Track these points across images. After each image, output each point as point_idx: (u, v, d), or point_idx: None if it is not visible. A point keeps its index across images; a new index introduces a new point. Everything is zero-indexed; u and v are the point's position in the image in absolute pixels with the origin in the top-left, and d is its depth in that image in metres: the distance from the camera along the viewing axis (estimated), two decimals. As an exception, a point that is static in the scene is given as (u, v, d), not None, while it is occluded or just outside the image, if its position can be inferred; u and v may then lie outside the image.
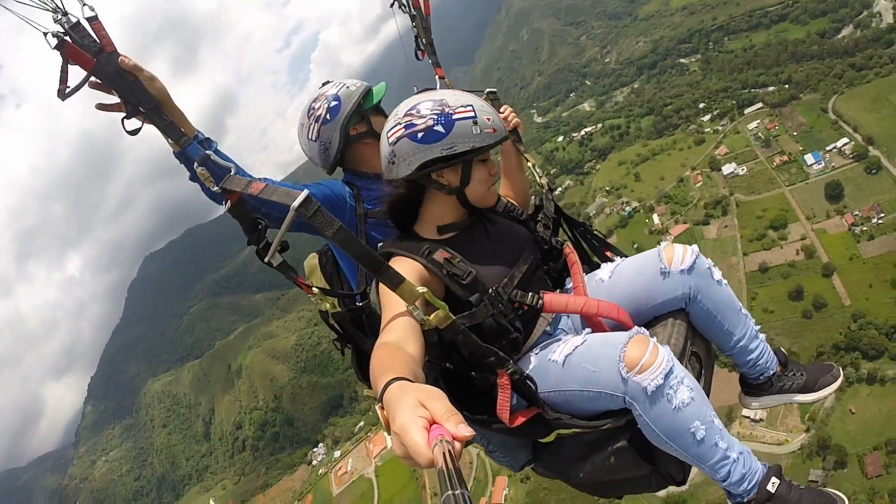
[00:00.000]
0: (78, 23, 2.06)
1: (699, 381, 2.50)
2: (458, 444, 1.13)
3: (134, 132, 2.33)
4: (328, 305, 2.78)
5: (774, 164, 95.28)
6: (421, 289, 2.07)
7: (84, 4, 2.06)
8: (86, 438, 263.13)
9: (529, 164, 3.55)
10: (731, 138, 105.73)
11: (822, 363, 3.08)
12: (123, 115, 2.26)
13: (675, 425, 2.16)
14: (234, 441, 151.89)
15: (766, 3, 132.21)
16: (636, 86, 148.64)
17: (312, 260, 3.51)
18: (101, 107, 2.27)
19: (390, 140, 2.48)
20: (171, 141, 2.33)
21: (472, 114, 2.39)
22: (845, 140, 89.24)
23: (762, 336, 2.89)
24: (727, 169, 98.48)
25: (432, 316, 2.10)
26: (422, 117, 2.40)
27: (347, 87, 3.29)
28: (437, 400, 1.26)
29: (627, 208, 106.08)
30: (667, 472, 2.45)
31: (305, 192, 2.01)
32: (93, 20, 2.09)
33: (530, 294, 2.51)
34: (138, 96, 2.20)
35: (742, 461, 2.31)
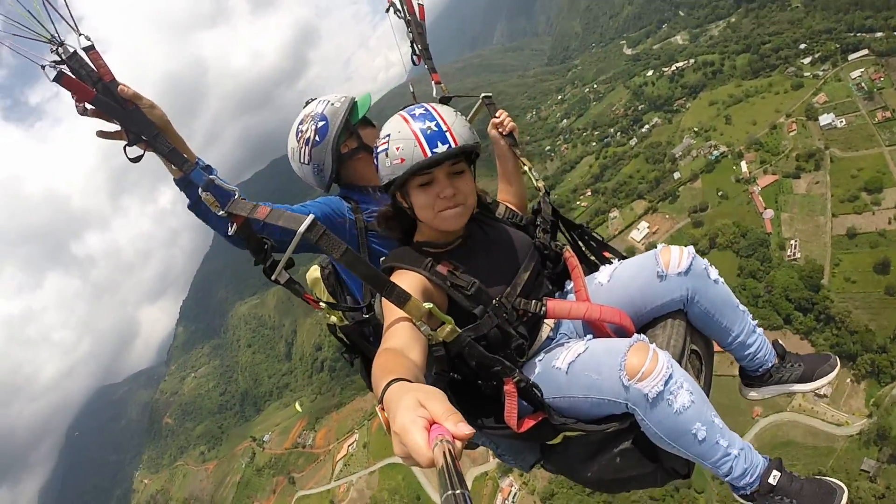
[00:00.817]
0: (75, 53, 2.11)
1: (700, 378, 2.72)
2: (458, 444, 1.13)
3: (136, 160, 2.37)
4: (335, 319, 2.88)
5: (876, 119, 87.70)
6: (426, 305, 2.12)
7: (80, 35, 2.12)
8: (177, 357, 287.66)
9: (525, 167, 3.56)
10: (832, 86, 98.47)
11: (819, 353, 3.12)
12: (125, 143, 2.29)
13: (676, 428, 2.23)
14: (314, 362, 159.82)
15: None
16: (733, 20, 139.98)
17: (315, 272, 3.53)
18: (102, 134, 2.30)
19: None
20: (174, 167, 2.40)
21: (385, 146, 2.44)
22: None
23: (760, 330, 2.94)
24: (824, 119, 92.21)
25: (438, 331, 2.16)
26: (375, 147, 2.55)
27: (332, 105, 3.30)
28: (436, 399, 1.26)
29: (715, 152, 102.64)
30: (671, 467, 2.55)
31: (311, 217, 2.07)
32: (89, 50, 2.14)
33: (533, 301, 2.59)
34: (139, 125, 2.26)
35: (743, 456, 2.39)
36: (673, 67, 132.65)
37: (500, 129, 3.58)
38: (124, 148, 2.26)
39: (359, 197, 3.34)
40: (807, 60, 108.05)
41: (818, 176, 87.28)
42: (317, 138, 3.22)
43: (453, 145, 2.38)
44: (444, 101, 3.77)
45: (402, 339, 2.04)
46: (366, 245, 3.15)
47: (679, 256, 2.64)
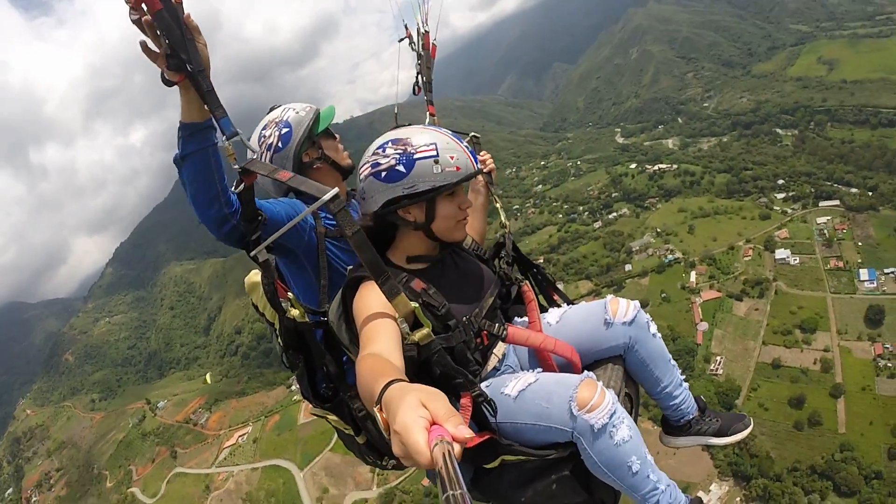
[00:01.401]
0: None
1: (632, 416, 2.88)
2: (457, 445, 1.14)
3: (171, 84, 2.30)
4: (297, 313, 2.81)
5: (829, 265, 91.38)
6: (413, 304, 2.19)
7: None
8: (97, 296, 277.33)
9: (497, 204, 3.78)
10: (796, 225, 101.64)
11: (735, 413, 3.36)
12: (164, 67, 2.23)
13: (615, 459, 2.38)
14: (230, 343, 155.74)
15: (882, 103, 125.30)
16: (725, 139, 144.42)
17: (254, 277, 3.35)
18: (146, 49, 2.19)
19: (360, 177, 2.61)
20: (202, 109, 2.35)
21: (433, 153, 2.45)
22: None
23: (685, 385, 3.19)
24: (780, 253, 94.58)
25: (416, 332, 2.23)
26: (386, 157, 2.50)
27: (297, 113, 3.29)
28: (437, 400, 1.27)
29: (670, 256, 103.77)
30: (601, 498, 2.63)
31: (335, 189, 2.13)
32: None
33: (497, 325, 2.72)
34: (190, 54, 2.18)
35: (669, 492, 2.57)
36: (656, 167, 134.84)
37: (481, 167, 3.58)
38: (162, 73, 2.25)
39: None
40: (780, 195, 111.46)
41: (759, 304, 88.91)
42: (279, 144, 3.23)
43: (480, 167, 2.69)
44: None
45: (383, 345, 2.10)
46: (324, 250, 3.14)
47: (626, 308, 2.92)
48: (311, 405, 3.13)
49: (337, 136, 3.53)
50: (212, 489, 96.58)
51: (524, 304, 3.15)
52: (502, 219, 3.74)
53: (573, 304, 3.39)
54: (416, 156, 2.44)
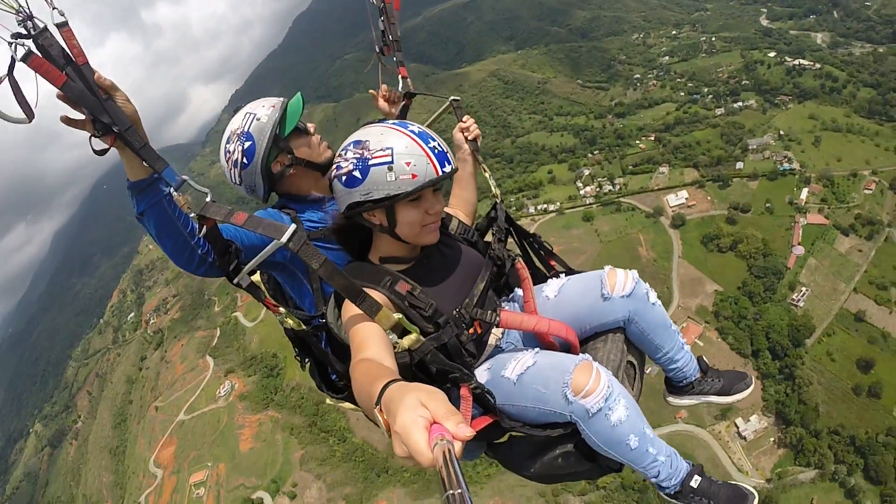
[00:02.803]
0: (45, 28, 1.93)
1: (633, 385, 3.07)
2: (458, 444, 1.15)
3: (102, 153, 2.30)
4: (292, 323, 2.82)
5: None
6: (396, 315, 2.24)
7: (53, 8, 1.94)
8: (214, 141, 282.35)
9: (486, 174, 3.62)
10: None
11: (737, 371, 3.51)
12: (91, 134, 2.21)
13: (613, 438, 2.49)
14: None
15: None
16: (882, 50, 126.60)
17: (255, 276, 3.24)
18: (67, 121, 2.17)
19: (330, 178, 2.62)
20: (142, 165, 2.34)
21: (388, 159, 2.38)
22: None
23: (687, 347, 3.32)
24: None
25: (404, 339, 2.29)
26: (346, 160, 2.48)
27: (258, 120, 3.10)
28: (437, 400, 1.28)
29: (787, 164, 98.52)
30: (606, 465, 2.75)
31: (293, 227, 2.10)
32: (63, 27, 1.98)
33: (489, 312, 2.74)
34: (112, 115, 2.14)
35: (669, 462, 2.73)
36: (797, 61, 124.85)
37: (465, 134, 3.64)
38: (90, 139, 2.19)
39: (297, 206, 3.27)
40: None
41: (865, 245, 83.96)
42: (244, 161, 3.08)
43: (455, 167, 2.55)
44: (409, 96, 4.05)
45: (374, 350, 2.11)
46: None
47: (624, 280, 2.94)
48: (328, 397, 3.22)
49: (312, 126, 3.38)
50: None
51: (519, 278, 3.19)
52: (492, 189, 3.61)
53: (572, 272, 3.42)
54: (370, 162, 2.41)
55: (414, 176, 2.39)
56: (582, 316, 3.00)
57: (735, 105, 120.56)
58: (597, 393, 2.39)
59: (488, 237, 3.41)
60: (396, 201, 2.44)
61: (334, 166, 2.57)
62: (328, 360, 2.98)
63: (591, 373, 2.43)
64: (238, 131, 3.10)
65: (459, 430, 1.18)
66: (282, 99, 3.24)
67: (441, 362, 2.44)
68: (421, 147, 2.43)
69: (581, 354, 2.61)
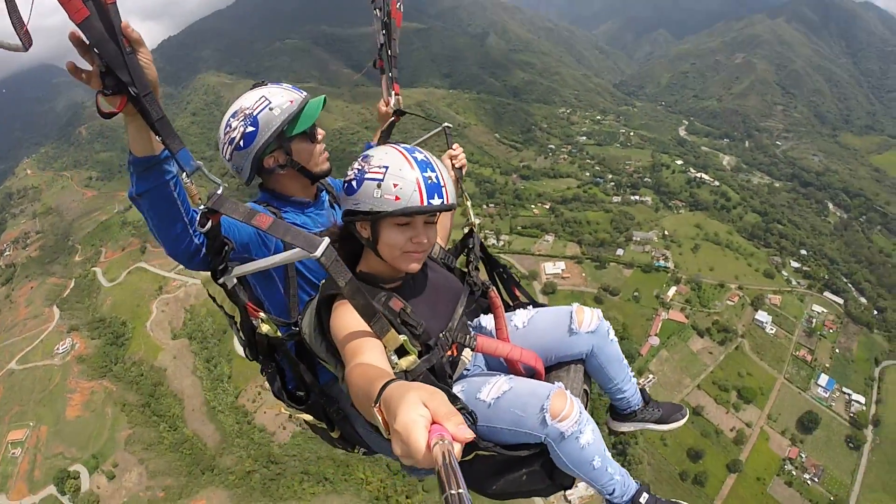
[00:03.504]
0: None
1: (586, 407, 3.07)
2: (457, 445, 1.14)
3: (109, 116, 1.92)
4: (268, 329, 2.69)
5: (798, 353, 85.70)
6: (402, 337, 2.14)
7: None
8: None
9: (467, 203, 3.66)
10: (792, 299, 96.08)
11: (673, 403, 3.64)
12: (99, 89, 1.81)
13: (580, 459, 2.64)
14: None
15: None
16: (777, 185, 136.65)
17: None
18: (73, 69, 1.72)
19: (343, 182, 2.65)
20: (152, 141, 2.01)
21: (380, 177, 2.41)
22: (862, 400, 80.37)
23: (634, 381, 3.44)
24: (762, 316, 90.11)
25: (403, 360, 2.18)
26: (351, 169, 2.53)
27: (270, 109, 2.85)
28: (438, 399, 1.27)
29: (662, 262, 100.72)
30: (561, 483, 2.85)
31: (327, 241, 1.99)
32: None
33: (466, 336, 2.76)
34: (134, 73, 1.78)
35: (623, 481, 2.90)
36: (699, 175, 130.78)
37: (454, 161, 3.71)
38: (97, 96, 1.86)
39: (279, 206, 3.14)
40: (795, 264, 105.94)
41: (716, 349, 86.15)
42: (241, 143, 2.93)
43: (446, 202, 2.51)
44: (399, 114, 4.08)
45: (372, 356, 2.08)
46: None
47: (591, 318, 3.10)
48: (283, 405, 3.11)
49: (321, 134, 3.14)
50: (163, 291, 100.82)
51: (491, 307, 3.21)
52: (471, 218, 3.67)
53: (536, 303, 3.54)
54: (366, 175, 2.45)
55: (397, 198, 2.41)
56: (549, 347, 3.10)
57: (632, 197, 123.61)
58: (571, 417, 2.53)
59: (461, 263, 3.51)
60: (379, 218, 2.46)
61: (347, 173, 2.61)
62: (298, 369, 2.95)
63: (567, 399, 2.57)
64: (247, 111, 2.91)
65: (460, 430, 1.19)
66: (304, 95, 3.02)
67: (432, 382, 2.44)
68: (414, 174, 2.43)
69: (555, 383, 2.72)
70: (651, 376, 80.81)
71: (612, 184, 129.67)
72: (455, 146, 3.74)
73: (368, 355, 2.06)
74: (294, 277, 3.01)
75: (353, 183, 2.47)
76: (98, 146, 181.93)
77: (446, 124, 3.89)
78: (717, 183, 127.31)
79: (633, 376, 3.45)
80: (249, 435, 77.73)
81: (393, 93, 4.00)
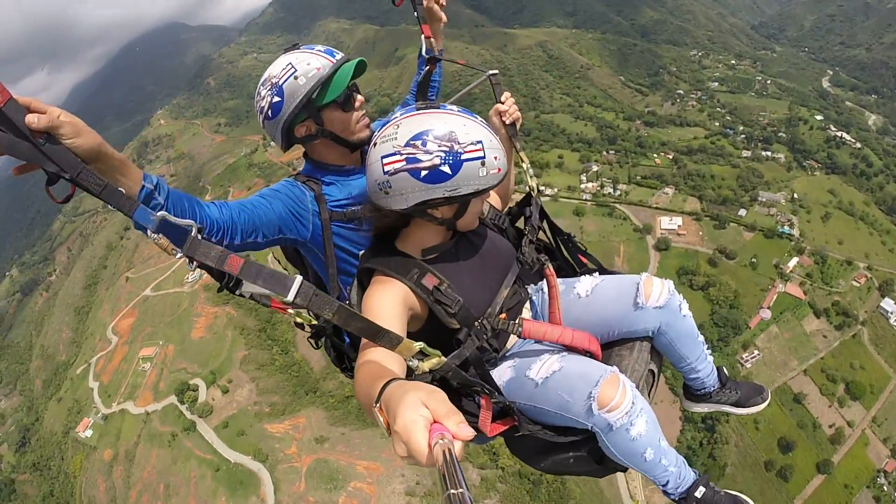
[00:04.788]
0: None
1: (651, 392, 2.98)
2: (458, 444, 1.14)
3: (65, 201, 1.91)
4: (303, 320, 2.39)
5: None
6: (417, 345, 2.05)
7: None
8: (252, 32, 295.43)
9: (524, 164, 3.40)
10: None
11: (755, 384, 3.43)
12: (47, 179, 1.77)
13: (630, 450, 2.48)
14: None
15: None
16: None
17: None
18: (20, 171, 1.74)
19: (386, 169, 2.37)
20: (110, 206, 1.87)
21: (480, 154, 2.33)
22: None
23: (710, 358, 3.22)
24: (888, 304, 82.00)
25: (425, 363, 2.12)
26: (427, 153, 2.30)
27: (296, 79, 2.71)
28: (438, 399, 1.27)
29: (787, 228, 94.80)
30: (613, 466, 2.69)
31: (299, 281, 1.84)
32: None
33: (511, 322, 2.64)
34: (57, 161, 1.68)
35: (678, 472, 2.75)
36: (840, 134, 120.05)
37: (503, 118, 3.31)
38: (46, 186, 1.83)
39: (321, 176, 2.99)
40: None
41: (831, 333, 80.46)
42: (269, 113, 2.83)
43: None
44: (433, 61, 3.63)
45: (385, 352, 2.04)
46: (330, 237, 2.91)
47: (659, 291, 2.86)
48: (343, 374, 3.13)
49: (359, 101, 2.93)
50: None
51: (547, 285, 3.05)
52: (528, 181, 3.36)
53: (605, 271, 3.29)
54: (463, 157, 2.32)
55: (499, 170, 2.41)
56: (611, 321, 2.92)
57: (763, 153, 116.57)
58: (622, 408, 2.36)
59: (519, 227, 3.33)
60: (478, 196, 2.44)
61: (401, 157, 2.35)
62: (344, 349, 2.96)
63: (619, 387, 2.39)
64: (273, 79, 2.79)
65: (460, 429, 1.18)
66: (335, 60, 2.81)
67: (463, 378, 2.35)
68: (496, 139, 2.41)
69: (609, 366, 2.52)
70: (756, 352, 77.90)
71: (743, 136, 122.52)
72: (504, 97, 3.34)
73: (377, 351, 2.05)
74: (332, 257, 2.92)
75: (444, 168, 2.31)
76: (226, 94, 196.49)
77: (491, 72, 3.47)
78: (858, 145, 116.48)
79: (710, 354, 3.26)
80: None
81: (423, 36, 3.58)
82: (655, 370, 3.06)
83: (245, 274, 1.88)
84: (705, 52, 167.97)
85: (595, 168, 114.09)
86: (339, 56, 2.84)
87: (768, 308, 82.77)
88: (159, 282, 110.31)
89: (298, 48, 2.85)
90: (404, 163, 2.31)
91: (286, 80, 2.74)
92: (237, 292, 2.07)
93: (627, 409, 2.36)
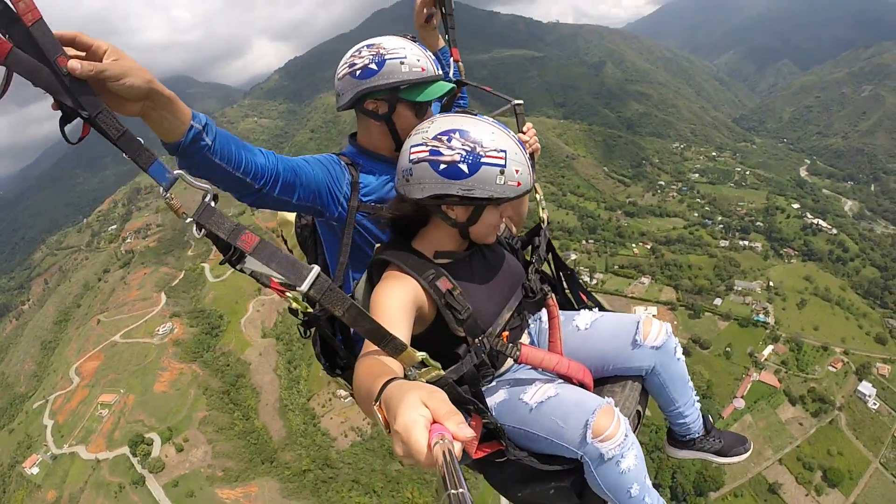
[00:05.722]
0: None
1: (636, 431, 2.86)
2: (458, 445, 1.14)
3: (77, 142, 1.82)
4: (299, 306, 2.33)
5: None
6: (420, 355, 2.02)
7: None
8: (256, 96, 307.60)
9: (538, 195, 3.42)
10: None
11: (739, 435, 3.43)
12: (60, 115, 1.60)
13: (617, 484, 2.44)
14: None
15: None
16: None
17: (289, 216, 3.30)
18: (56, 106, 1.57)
19: (411, 157, 2.44)
20: (126, 156, 1.72)
21: (502, 162, 2.35)
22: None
23: (697, 405, 3.22)
24: (865, 387, 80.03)
25: (423, 371, 2.09)
26: (450, 148, 2.36)
27: (401, 63, 2.76)
28: (438, 399, 1.26)
29: (762, 316, 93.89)
30: (593, 502, 2.64)
31: (316, 271, 1.78)
32: None
33: (510, 345, 2.62)
34: (77, 96, 1.54)
35: None
36: (817, 221, 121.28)
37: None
38: (60, 123, 1.65)
39: (364, 161, 2.98)
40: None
41: (807, 421, 78.23)
42: (358, 73, 2.83)
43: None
44: (460, 84, 3.66)
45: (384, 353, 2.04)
46: (352, 224, 2.87)
47: (658, 331, 2.88)
48: (330, 377, 3.05)
49: (429, 112, 2.97)
50: (261, 293, 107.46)
51: (549, 315, 3.02)
52: (541, 213, 3.40)
53: (603, 308, 3.33)
54: (483, 159, 2.35)
55: (519, 184, 2.41)
56: (608, 356, 2.92)
57: (741, 242, 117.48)
58: (615, 439, 2.36)
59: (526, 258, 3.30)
60: (492, 203, 2.45)
61: (426, 148, 2.42)
62: (334, 343, 2.88)
63: (614, 418, 2.40)
64: (381, 50, 2.81)
65: (460, 430, 1.18)
66: (438, 73, 2.90)
67: (458, 395, 2.32)
68: (524, 156, 2.43)
69: (604, 398, 2.55)
70: None
71: (721, 226, 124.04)
72: (527, 127, 3.43)
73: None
74: (348, 245, 2.86)
75: (462, 166, 2.35)
76: None
77: (516, 101, 3.56)
78: (834, 231, 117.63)
79: (698, 401, 3.26)
80: (312, 436, 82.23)
81: (452, 59, 3.67)
82: (642, 411, 3.09)
83: (258, 254, 1.82)
84: (687, 145, 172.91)
85: (573, 257, 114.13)
86: (440, 72, 2.95)
87: (742, 397, 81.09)
88: (130, 329, 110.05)
89: (416, 41, 2.95)
90: (427, 153, 2.41)
91: (392, 59, 2.81)
92: (238, 267, 2.04)
93: (620, 441, 2.38)
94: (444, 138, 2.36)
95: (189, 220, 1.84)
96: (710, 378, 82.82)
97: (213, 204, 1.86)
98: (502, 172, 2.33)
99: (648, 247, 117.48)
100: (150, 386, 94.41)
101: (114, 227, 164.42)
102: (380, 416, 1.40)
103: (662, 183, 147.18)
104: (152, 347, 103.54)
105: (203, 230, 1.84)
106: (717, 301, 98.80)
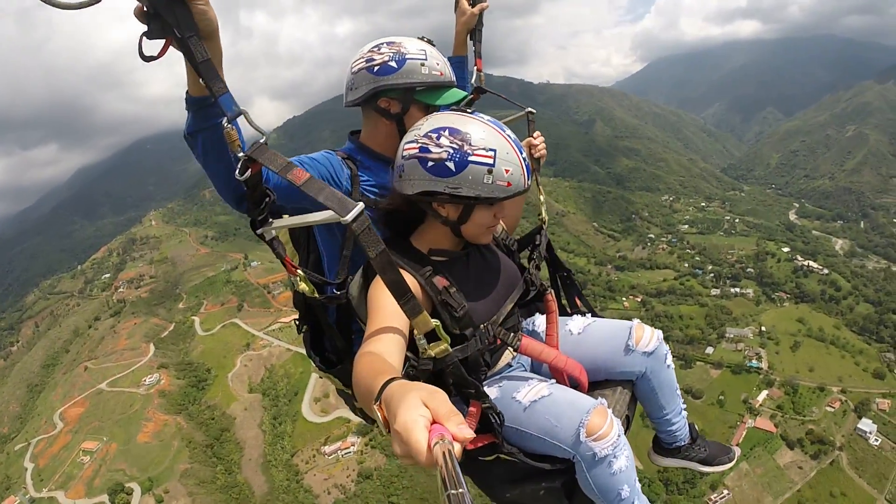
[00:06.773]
0: None
1: (626, 434, 2.84)
2: (458, 445, 1.14)
3: (149, 59, 1.88)
4: (306, 288, 2.52)
5: None
6: (434, 322, 2.08)
7: None
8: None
9: (542, 196, 3.54)
10: None
11: (723, 445, 3.44)
12: (144, 30, 1.81)
13: (608, 485, 2.43)
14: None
15: None
16: (895, 268, 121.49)
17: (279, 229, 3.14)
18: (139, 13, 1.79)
19: (404, 154, 2.45)
20: (203, 82, 1.92)
21: (490, 161, 2.32)
22: None
23: (685, 413, 3.25)
24: (865, 424, 76.90)
25: (432, 347, 2.15)
26: (438, 146, 2.34)
27: (421, 65, 2.76)
28: (438, 399, 1.26)
29: (754, 362, 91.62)
30: None
31: (360, 207, 1.87)
32: None
33: (511, 335, 2.62)
34: (178, 14, 1.75)
35: None
36: (807, 262, 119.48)
37: (532, 151, 3.45)
38: (141, 38, 1.86)
39: (364, 159, 3.01)
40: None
41: (807, 464, 74.90)
42: (375, 68, 2.80)
43: (529, 182, 2.53)
44: (479, 91, 3.78)
45: (386, 346, 2.06)
46: None
47: (650, 337, 2.93)
48: (314, 365, 3.05)
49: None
50: (250, 348, 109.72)
51: (546, 310, 3.08)
52: (542, 212, 3.45)
53: (596, 314, 3.33)
54: (470, 157, 2.32)
55: (509, 184, 2.38)
56: (600, 360, 2.95)
57: (732, 290, 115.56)
58: (609, 439, 2.37)
59: (524, 258, 3.31)
60: (480, 203, 2.43)
61: (416, 145, 2.42)
62: (332, 333, 2.84)
63: (607, 418, 2.41)
64: (402, 50, 2.80)
65: (460, 430, 1.18)
66: (452, 81, 2.93)
67: (461, 376, 2.34)
68: (517, 157, 2.40)
69: (597, 398, 2.56)
70: (726, 491, 72.24)
71: (712, 275, 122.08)
72: (536, 134, 3.49)
73: (383, 343, 2.05)
74: (351, 239, 2.84)
75: (449, 164, 2.32)
76: (218, 209, 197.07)
77: (529, 109, 3.63)
78: (826, 271, 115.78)
79: (685, 409, 3.27)
80: (295, 493, 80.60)
81: (475, 68, 3.76)
82: (630, 417, 3.10)
83: (308, 187, 1.92)
84: (677, 197, 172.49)
85: (546, 217, 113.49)
86: (455, 80, 2.97)
87: (737, 445, 76.81)
88: (117, 378, 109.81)
89: (434, 46, 2.95)
90: (417, 150, 2.39)
91: (412, 59, 2.79)
92: (259, 231, 2.25)
93: (614, 441, 2.37)
94: (434, 136, 2.35)
95: (241, 154, 1.97)
96: (704, 427, 79.04)
97: (267, 145, 1.99)
98: (490, 172, 2.31)
99: (639, 300, 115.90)
100: (133, 435, 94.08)
101: (107, 275, 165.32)
102: (380, 415, 1.39)
103: (652, 236, 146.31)
104: (138, 397, 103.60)
105: (249, 170, 2.01)
106: (709, 349, 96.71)
